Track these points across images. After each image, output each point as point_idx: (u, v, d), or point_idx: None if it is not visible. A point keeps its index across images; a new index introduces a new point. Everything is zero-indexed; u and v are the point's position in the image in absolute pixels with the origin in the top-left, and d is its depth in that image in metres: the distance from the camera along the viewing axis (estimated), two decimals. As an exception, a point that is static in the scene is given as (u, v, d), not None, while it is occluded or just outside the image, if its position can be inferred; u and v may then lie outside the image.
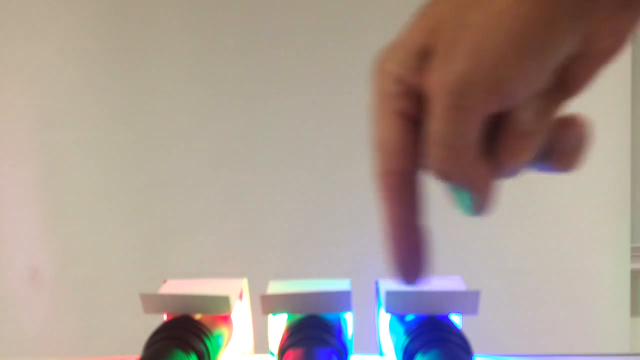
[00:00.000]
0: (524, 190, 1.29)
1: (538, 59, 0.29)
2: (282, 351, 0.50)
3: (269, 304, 0.55)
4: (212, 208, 1.28)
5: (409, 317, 0.54)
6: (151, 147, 1.28)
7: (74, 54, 1.28)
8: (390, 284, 0.57)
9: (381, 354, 0.60)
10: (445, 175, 0.32)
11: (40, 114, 1.28)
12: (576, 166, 0.33)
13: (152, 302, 0.55)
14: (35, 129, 1.28)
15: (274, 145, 1.28)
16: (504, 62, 0.29)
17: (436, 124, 0.30)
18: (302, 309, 0.54)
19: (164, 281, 0.61)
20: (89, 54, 1.28)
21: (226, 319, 0.57)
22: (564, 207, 1.31)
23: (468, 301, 0.53)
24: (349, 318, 0.57)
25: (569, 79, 0.31)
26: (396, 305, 0.54)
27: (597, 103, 1.33)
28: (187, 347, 0.50)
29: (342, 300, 0.55)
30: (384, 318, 0.57)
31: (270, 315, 0.57)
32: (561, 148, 0.33)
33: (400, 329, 0.53)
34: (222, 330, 0.56)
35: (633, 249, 1.34)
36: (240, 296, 0.59)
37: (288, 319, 0.55)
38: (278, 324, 0.56)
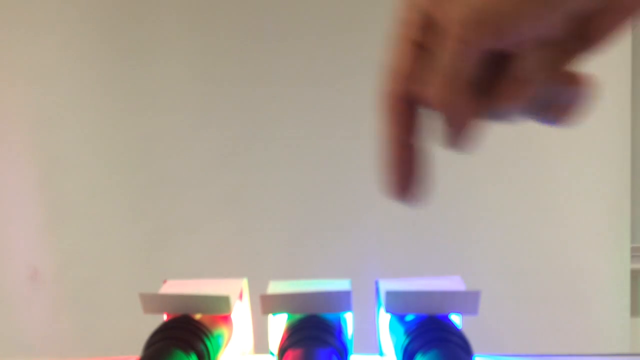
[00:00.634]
0: (524, 190, 1.30)
1: (553, 3, 0.30)
2: (282, 351, 0.50)
3: (269, 304, 0.55)
4: (212, 208, 1.28)
5: (409, 317, 0.54)
6: (151, 147, 1.28)
7: (75, 54, 1.28)
8: (390, 284, 0.57)
9: (381, 354, 0.60)
10: (434, 102, 0.33)
11: (40, 114, 1.28)
12: (569, 121, 0.34)
13: (152, 302, 0.55)
14: (35, 129, 1.28)
15: (274, 145, 1.28)
16: (519, 3, 0.30)
17: (440, 53, 0.32)
18: (302, 309, 0.54)
19: (164, 281, 0.61)
20: (90, 54, 1.28)
21: (226, 319, 0.57)
22: (564, 207, 1.31)
23: (468, 301, 0.53)
24: (349, 318, 0.57)
25: (589, 32, 0.32)
26: (396, 305, 0.54)
27: (597, 103, 1.33)
28: (187, 347, 0.50)
29: (342, 300, 0.55)
30: (384, 318, 0.57)
31: (270, 315, 0.57)
32: (559, 101, 0.33)
33: (400, 329, 0.53)
34: (222, 330, 0.56)
35: (633, 249, 1.34)
36: (240, 296, 0.59)
37: (288, 319, 0.55)
38: (278, 324, 0.56)
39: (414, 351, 0.49)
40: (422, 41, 0.33)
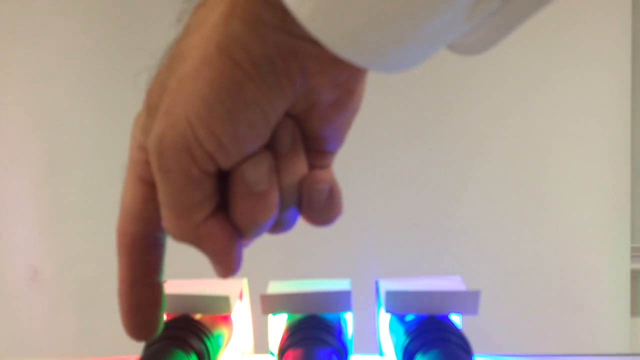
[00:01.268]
0: (523, 191, 1.30)
1: (232, 119, 0.28)
2: (282, 351, 0.50)
3: (269, 304, 0.55)
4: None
5: (409, 317, 0.54)
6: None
7: (74, 54, 1.28)
8: (390, 284, 0.57)
9: (381, 354, 0.60)
10: (175, 237, 0.31)
11: (40, 114, 1.28)
12: (327, 222, 0.33)
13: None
14: (35, 129, 1.28)
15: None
16: (196, 124, 0.28)
17: (157, 186, 0.30)
18: (302, 309, 0.54)
19: (164, 281, 0.61)
20: (89, 54, 1.28)
21: (226, 319, 0.57)
22: (564, 207, 1.31)
23: (468, 301, 0.53)
24: (349, 318, 0.57)
25: (310, 132, 0.31)
26: (396, 305, 0.54)
27: (597, 103, 1.33)
28: (187, 347, 0.50)
29: (342, 300, 0.55)
30: (384, 318, 0.57)
31: (270, 315, 0.57)
32: (309, 205, 0.32)
33: (400, 329, 0.53)
34: (222, 330, 0.56)
35: (633, 249, 1.34)
36: (240, 296, 0.59)
37: (288, 319, 0.55)
38: (278, 324, 0.56)
39: (414, 351, 0.49)
40: (149, 177, 0.31)
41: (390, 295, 0.54)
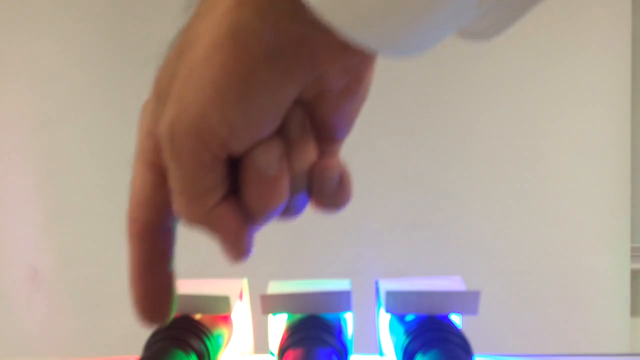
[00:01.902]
0: (524, 191, 1.30)
1: (244, 104, 0.28)
2: (282, 351, 0.50)
3: (269, 304, 0.55)
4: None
5: (409, 317, 0.54)
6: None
7: (75, 54, 1.28)
8: (390, 284, 0.57)
9: (381, 354, 0.60)
10: (188, 222, 0.32)
11: (40, 114, 1.28)
12: (338, 207, 0.33)
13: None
14: (35, 129, 1.28)
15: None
16: (208, 109, 0.28)
17: (169, 172, 0.30)
18: (302, 309, 0.54)
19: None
20: (90, 54, 1.28)
21: (226, 319, 0.57)
22: (564, 207, 1.31)
23: (468, 301, 0.53)
24: (349, 318, 0.57)
25: (320, 119, 0.31)
26: (396, 305, 0.54)
27: (597, 103, 1.34)
28: (187, 347, 0.50)
29: (342, 300, 0.55)
30: (384, 318, 0.57)
31: (270, 315, 0.57)
32: (319, 191, 0.32)
33: (400, 329, 0.53)
34: (222, 330, 0.56)
35: (633, 249, 1.34)
36: (240, 296, 0.59)
37: (288, 319, 0.55)
38: (278, 324, 0.56)
39: (414, 351, 0.49)
40: (159, 163, 0.32)
41: (390, 295, 0.54)
